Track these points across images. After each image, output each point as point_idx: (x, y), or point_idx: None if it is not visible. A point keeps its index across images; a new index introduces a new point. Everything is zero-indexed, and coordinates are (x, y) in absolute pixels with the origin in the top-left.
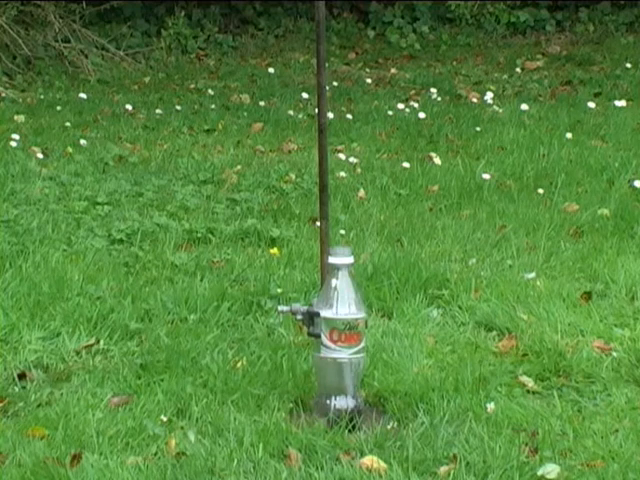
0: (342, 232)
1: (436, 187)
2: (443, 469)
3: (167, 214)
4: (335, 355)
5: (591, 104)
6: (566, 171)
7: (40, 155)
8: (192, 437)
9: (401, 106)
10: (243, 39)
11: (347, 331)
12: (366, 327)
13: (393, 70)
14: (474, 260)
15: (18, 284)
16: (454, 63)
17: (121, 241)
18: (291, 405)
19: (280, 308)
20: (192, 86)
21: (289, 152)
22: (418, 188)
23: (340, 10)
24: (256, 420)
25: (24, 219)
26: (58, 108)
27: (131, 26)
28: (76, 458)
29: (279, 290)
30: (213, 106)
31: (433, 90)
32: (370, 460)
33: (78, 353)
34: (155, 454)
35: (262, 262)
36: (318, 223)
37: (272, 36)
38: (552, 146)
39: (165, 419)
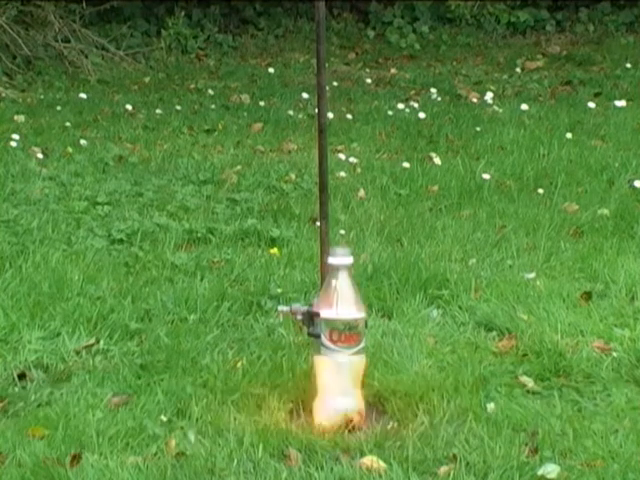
0: (342, 232)
1: (436, 187)
2: (443, 469)
3: (167, 214)
4: (335, 355)
5: (591, 104)
6: (566, 171)
7: (40, 155)
8: (192, 437)
9: (401, 106)
10: (243, 39)
11: (347, 331)
12: (366, 327)
13: (393, 70)
14: (474, 260)
15: (18, 284)
16: (454, 63)
17: (121, 241)
18: (291, 405)
19: (280, 308)
20: (192, 86)
21: (289, 152)
22: (418, 188)
23: (340, 10)
24: (256, 420)
25: (24, 219)
26: (58, 108)
27: (131, 26)
28: (76, 458)
29: (279, 290)
30: (213, 106)
31: (433, 90)
32: (370, 460)
33: (78, 353)
34: (155, 454)
35: (262, 262)
36: (318, 223)
37: (272, 36)
38: (552, 146)
39: (165, 419)
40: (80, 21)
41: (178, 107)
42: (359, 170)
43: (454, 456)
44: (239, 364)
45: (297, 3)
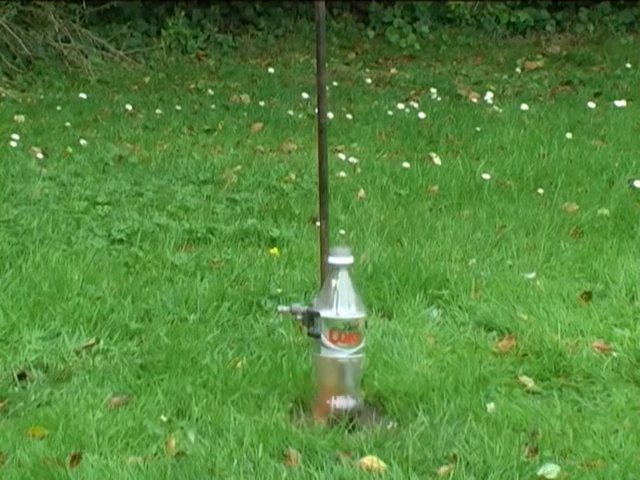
0: (342, 232)
1: (436, 187)
2: (443, 469)
3: (167, 214)
4: (335, 355)
5: (591, 104)
6: (566, 171)
7: (40, 155)
8: (192, 437)
9: (401, 106)
10: (243, 39)
11: (347, 331)
12: (366, 327)
13: (393, 70)
14: (474, 260)
15: (18, 284)
16: (454, 63)
17: (121, 241)
18: (291, 405)
19: (280, 308)
20: (192, 86)
21: (289, 152)
22: (418, 188)
23: (340, 10)
24: (256, 420)
25: (24, 219)
26: (58, 108)
27: (131, 26)
28: (76, 458)
29: (279, 290)
30: (213, 106)
31: (433, 90)
32: (370, 460)
33: (78, 353)
34: (155, 454)
35: (262, 262)
36: (318, 223)
37: (272, 36)
38: (552, 146)
39: (165, 419)
40: (80, 21)
41: (178, 107)
42: (359, 170)
43: (454, 456)
44: (239, 364)
45: (297, 3)
